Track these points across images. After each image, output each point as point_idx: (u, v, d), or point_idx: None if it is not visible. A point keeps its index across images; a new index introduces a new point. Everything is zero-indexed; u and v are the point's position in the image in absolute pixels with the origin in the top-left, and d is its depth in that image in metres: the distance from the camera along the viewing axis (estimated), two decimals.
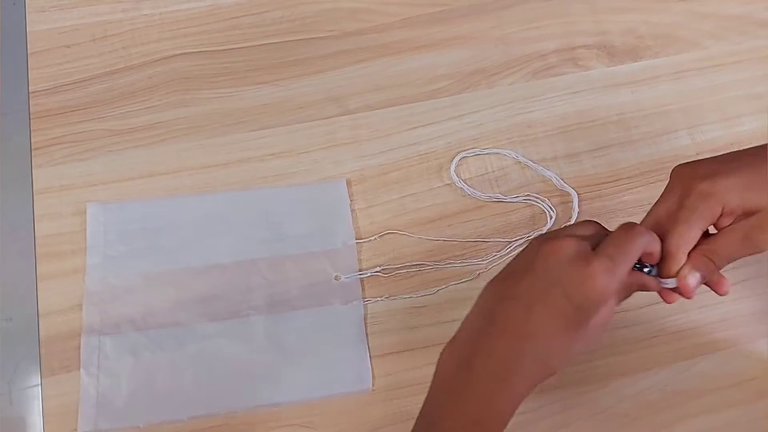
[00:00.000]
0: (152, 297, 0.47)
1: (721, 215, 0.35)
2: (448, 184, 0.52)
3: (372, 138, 0.54)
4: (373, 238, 0.50)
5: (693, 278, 0.35)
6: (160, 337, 0.46)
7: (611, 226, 0.51)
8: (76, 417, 0.44)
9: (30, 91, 0.54)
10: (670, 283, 0.36)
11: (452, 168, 0.53)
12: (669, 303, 0.37)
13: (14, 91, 0.54)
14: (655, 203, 0.37)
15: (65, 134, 0.52)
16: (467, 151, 0.53)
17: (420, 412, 0.36)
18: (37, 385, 0.45)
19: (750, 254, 0.35)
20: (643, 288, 0.36)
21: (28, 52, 0.56)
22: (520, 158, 0.53)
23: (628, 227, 0.35)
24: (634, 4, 0.61)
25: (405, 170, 0.53)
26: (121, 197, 0.50)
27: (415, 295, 0.48)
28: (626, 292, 0.36)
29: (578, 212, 0.51)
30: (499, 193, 0.52)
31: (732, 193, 0.34)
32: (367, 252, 0.50)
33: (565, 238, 0.34)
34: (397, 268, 0.49)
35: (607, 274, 0.33)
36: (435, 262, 0.49)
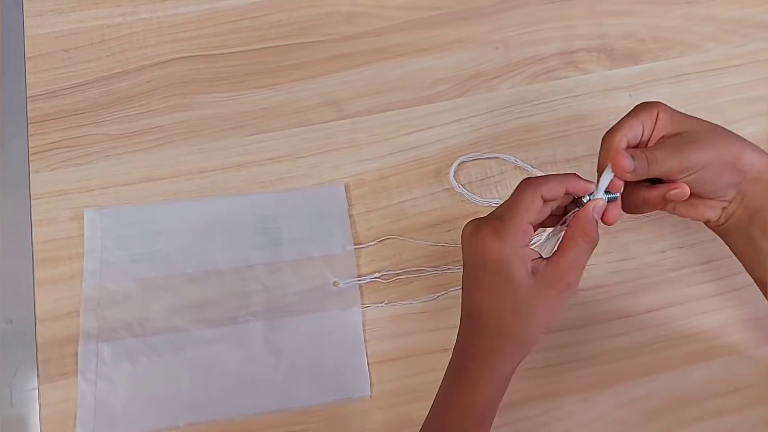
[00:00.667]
0: (149, 303, 0.47)
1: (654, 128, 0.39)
2: (447, 189, 0.52)
3: (371, 142, 0.53)
4: (372, 243, 0.50)
5: (626, 159, 0.37)
6: (158, 343, 0.46)
7: (611, 231, 0.51)
8: (74, 424, 0.44)
9: (27, 95, 0.54)
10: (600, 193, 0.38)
11: (451, 172, 0.53)
12: (610, 222, 0.38)
13: (12, 95, 0.54)
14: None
15: (63, 139, 0.52)
16: (466, 156, 0.53)
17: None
18: (35, 388, 0.44)
19: (679, 168, 0.38)
20: (585, 217, 0.37)
21: (26, 56, 0.55)
22: (520, 163, 0.53)
23: (521, 184, 0.37)
24: (634, 7, 0.61)
25: (404, 175, 0.53)
26: (119, 202, 0.50)
27: (414, 301, 0.48)
28: (583, 232, 0.37)
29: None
30: (499, 198, 0.52)
31: (666, 108, 0.40)
32: (365, 257, 0.50)
33: (467, 223, 0.37)
34: (397, 274, 0.49)
35: (494, 234, 0.35)
36: (434, 267, 0.49)
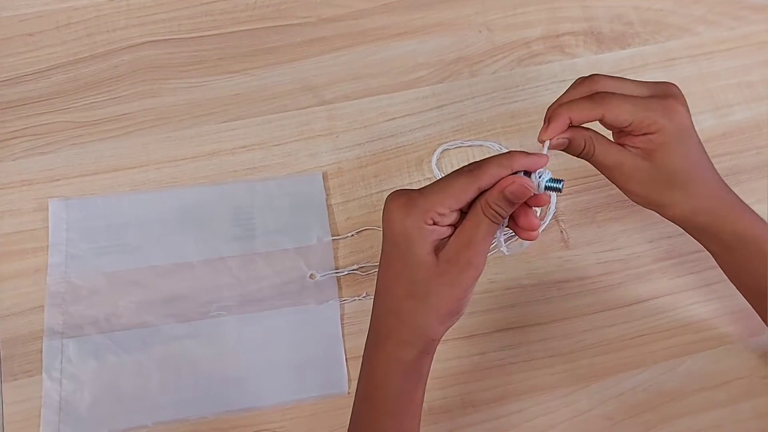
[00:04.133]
0: (117, 297, 0.45)
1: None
2: (429, 178, 0.51)
3: (349, 129, 0.52)
4: (350, 234, 0.48)
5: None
6: (125, 339, 0.44)
7: (597, 221, 0.49)
8: (38, 423, 0.42)
9: None
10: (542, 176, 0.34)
11: (434, 161, 0.51)
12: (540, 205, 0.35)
13: None
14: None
15: (26, 127, 0.50)
16: (449, 143, 0.51)
17: None
18: None
19: (595, 116, 0.36)
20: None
21: None
22: (504, 150, 0.51)
23: (460, 172, 0.33)
24: None
25: (384, 163, 0.51)
26: (85, 192, 0.48)
27: None
28: (485, 204, 0.33)
29: (554, 212, 0.49)
30: None
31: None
32: (343, 249, 0.48)
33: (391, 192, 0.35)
34: (375, 266, 0.47)
35: (403, 206, 0.33)
36: None
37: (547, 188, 0.34)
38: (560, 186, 0.34)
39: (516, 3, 0.57)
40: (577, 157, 0.38)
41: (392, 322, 0.35)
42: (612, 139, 0.38)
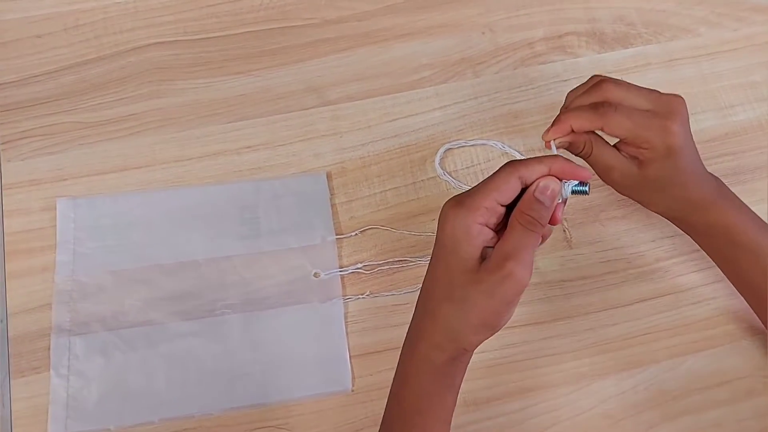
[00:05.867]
0: (123, 295, 0.46)
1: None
2: (432, 178, 0.51)
3: (353, 129, 0.52)
4: (354, 233, 0.49)
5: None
6: (132, 336, 0.45)
7: (600, 220, 0.49)
8: (46, 419, 0.42)
9: None
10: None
11: (437, 160, 0.51)
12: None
13: None
14: None
15: (35, 127, 0.51)
16: (452, 143, 0.52)
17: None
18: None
19: (595, 127, 0.39)
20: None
21: None
22: (507, 149, 0.52)
23: (504, 165, 0.35)
24: None
25: (387, 163, 0.51)
26: (92, 192, 0.49)
27: (397, 293, 0.47)
28: (519, 215, 0.34)
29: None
30: None
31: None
32: (347, 248, 0.48)
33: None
34: (379, 265, 0.48)
35: (455, 204, 0.33)
36: (418, 258, 0.48)
37: (574, 192, 0.35)
38: (587, 189, 0.36)
39: (519, 4, 0.58)
40: (576, 155, 0.41)
41: (427, 323, 0.35)
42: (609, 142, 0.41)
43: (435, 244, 0.35)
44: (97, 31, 0.54)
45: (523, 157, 0.51)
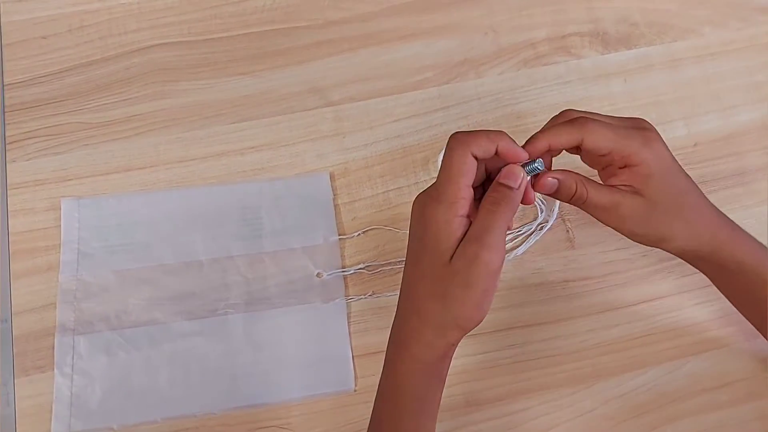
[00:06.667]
0: (127, 295, 0.46)
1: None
2: (434, 178, 0.50)
3: (355, 130, 0.52)
4: (356, 233, 0.49)
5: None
6: (135, 336, 0.45)
7: (601, 225, 0.49)
8: (50, 418, 0.43)
9: (4, 83, 0.53)
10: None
11: (439, 161, 0.51)
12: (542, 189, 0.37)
13: None
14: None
15: (39, 127, 0.51)
16: None
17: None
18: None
19: (575, 141, 0.36)
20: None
21: (3, 43, 0.54)
22: None
23: (450, 142, 0.35)
24: None
25: (390, 163, 0.51)
26: (97, 192, 0.49)
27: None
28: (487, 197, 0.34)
29: (557, 213, 0.49)
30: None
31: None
32: (350, 248, 0.48)
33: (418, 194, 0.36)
34: (382, 265, 0.48)
35: (435, 200, 0.33)
36: None
37: (529, 173, 0.35)
38: (538, 165, 0.35)
39: (522, 5, 0.58)
40: (569, 202, 0.37)
41: (415, 323, 0.35)
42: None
43: (411, 241, 0.35)
44: (101, 32, 0.55)
45: None
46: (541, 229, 0.49)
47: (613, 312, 0.47)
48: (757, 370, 0.45)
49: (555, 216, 0.49)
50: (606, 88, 0.54)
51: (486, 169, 0.36)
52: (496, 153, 0.34)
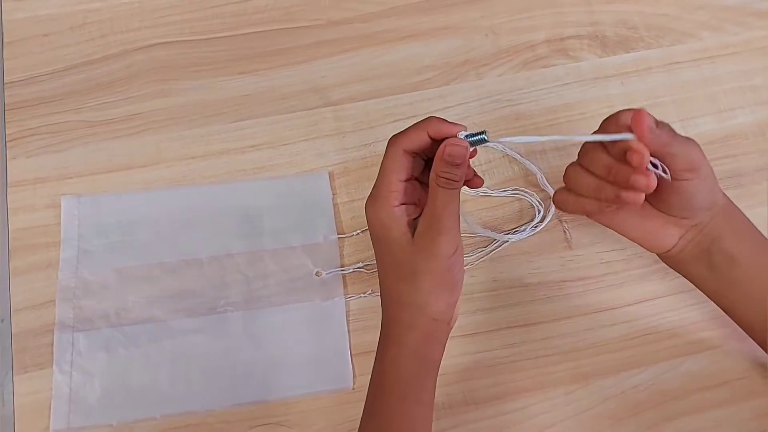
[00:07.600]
0: (127, 292, 0.46)
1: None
2: None
3: (355, 130, 0.52)
4: (355, 233, 0.49)
5: (648, 116, 0.34)
6: (135, 333, 0.45)
7: (599, 225, 0.49)
8: (49, 414, 0.43)
9: (5, 81, 0.53)
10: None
11: None
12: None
13: None
14: None
15: (41, 125, 0.51)
16: None
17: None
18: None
19: (687, 160, 0.35)
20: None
21: (4, 41, 0.54)
22: (508, 151, 0.52)
23: (388, 143, 0.37)
24: None
25: None
26: (97, 190, 0.49)
27: None
28: (433, 173, 0.36)
29: (553, 212, 0.50)
30: (486, 187, 0.51)
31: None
32: (349, 247, 0.49)
33: None
34: None
35: (370, 201, 0.37)
36: None
37: (472, 144, 0.36)
38: (483, 136, 0.36)
39: (522, 7, 0.58)
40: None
41: (394, 309, 0.37)
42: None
43: (372, 242, 0.38)
44: (103, 30, 0.55)
45: (521, 159, 0.51)
46: (541, 222, 0.49)
47: (610, 312, 0.47)
48: (755, 368, 0.45)
49: (551, 216, 0.50)
50: (603, 91, 0.55)
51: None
52: (433, 139, 0.36)
